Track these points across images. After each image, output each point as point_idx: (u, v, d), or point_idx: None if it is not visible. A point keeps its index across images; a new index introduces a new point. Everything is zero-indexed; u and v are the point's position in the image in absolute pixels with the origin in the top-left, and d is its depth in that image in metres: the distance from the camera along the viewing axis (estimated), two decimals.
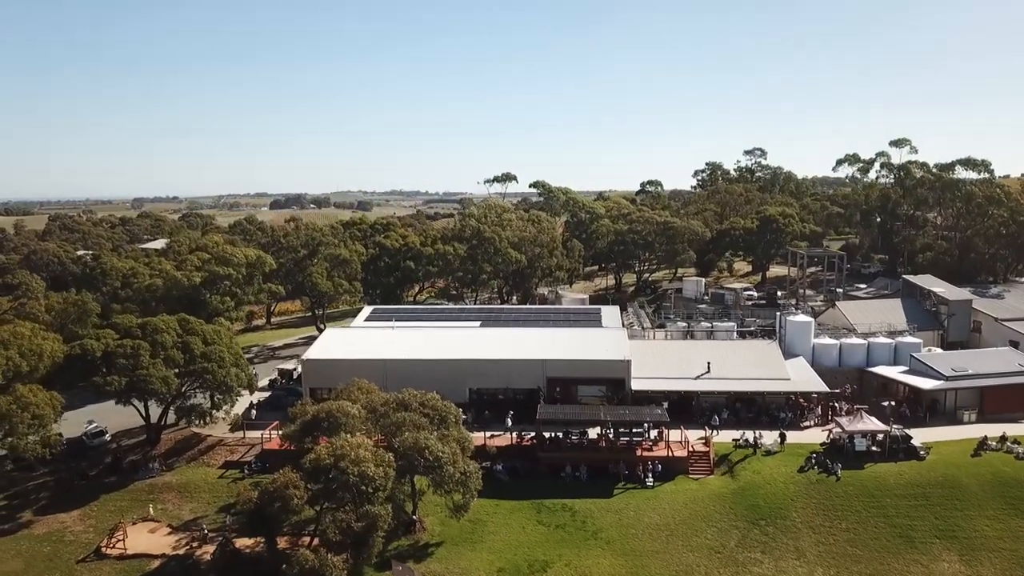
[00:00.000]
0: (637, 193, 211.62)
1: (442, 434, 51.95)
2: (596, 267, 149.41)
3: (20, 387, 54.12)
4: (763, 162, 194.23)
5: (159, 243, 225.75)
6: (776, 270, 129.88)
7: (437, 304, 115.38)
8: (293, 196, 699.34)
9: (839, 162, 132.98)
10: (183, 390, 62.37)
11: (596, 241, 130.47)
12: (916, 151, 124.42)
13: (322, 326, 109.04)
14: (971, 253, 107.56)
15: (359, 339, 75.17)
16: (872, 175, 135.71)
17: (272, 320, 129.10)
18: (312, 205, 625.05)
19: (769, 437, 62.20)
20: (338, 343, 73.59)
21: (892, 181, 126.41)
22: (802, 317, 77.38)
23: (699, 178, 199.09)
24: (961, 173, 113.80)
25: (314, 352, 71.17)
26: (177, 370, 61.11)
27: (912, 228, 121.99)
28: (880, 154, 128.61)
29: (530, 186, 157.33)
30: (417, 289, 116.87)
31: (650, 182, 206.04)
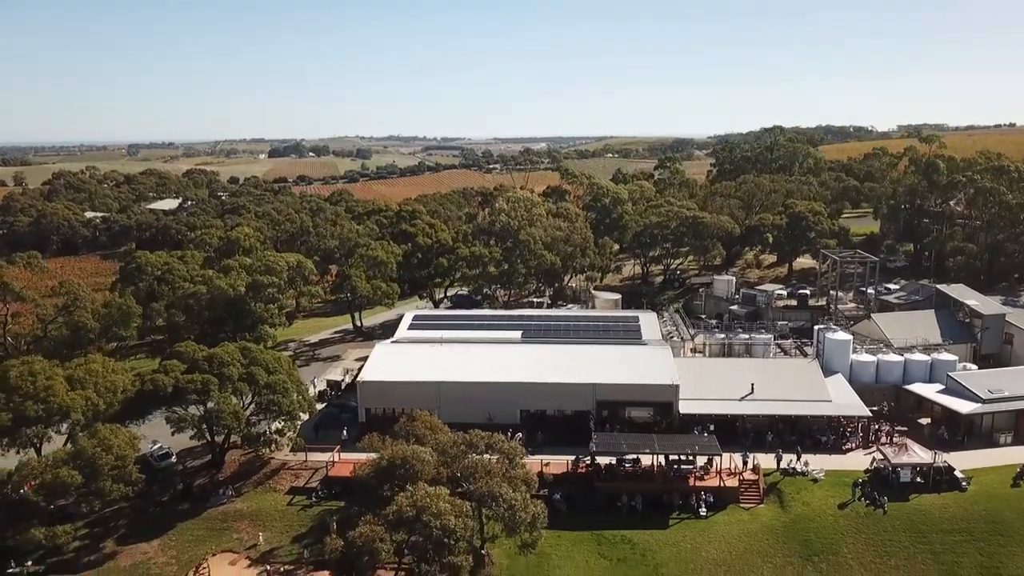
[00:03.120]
0: (656, 167, 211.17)
1: (510, 475, 54.12)
2: (618, 248, 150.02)
3: (101, 428, 56.02)
4: (781, 141, 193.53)
5: (167, 203, 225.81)
6: (802, 261, 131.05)
7: (467, 296, 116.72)
8: (291, 143, 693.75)
9: (867, 156, 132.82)
10: (249, 417, 64.53)
11: (623, 230, 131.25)
12: (944, 146, 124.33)
13: (359, 323, 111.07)
14: (1001, 257, 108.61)
15: (409, 357, 76.82)
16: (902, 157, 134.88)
17: (299, 306, 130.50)
18: (311, 153, 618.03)
19: (814, 462, 64.47)
20: (390, 363, 75.31)
21: (919, 176, 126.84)
22: (841, 335, 79.00)
23: (717, 157, 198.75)
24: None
25: (369, 374, 73.10)
26: (243, 401, 63.18)
27: (939, 223, 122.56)
28: (908, 149, 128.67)
29: (553, 171, 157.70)
30: (448, 282, 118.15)
31: (668, 158, 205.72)
